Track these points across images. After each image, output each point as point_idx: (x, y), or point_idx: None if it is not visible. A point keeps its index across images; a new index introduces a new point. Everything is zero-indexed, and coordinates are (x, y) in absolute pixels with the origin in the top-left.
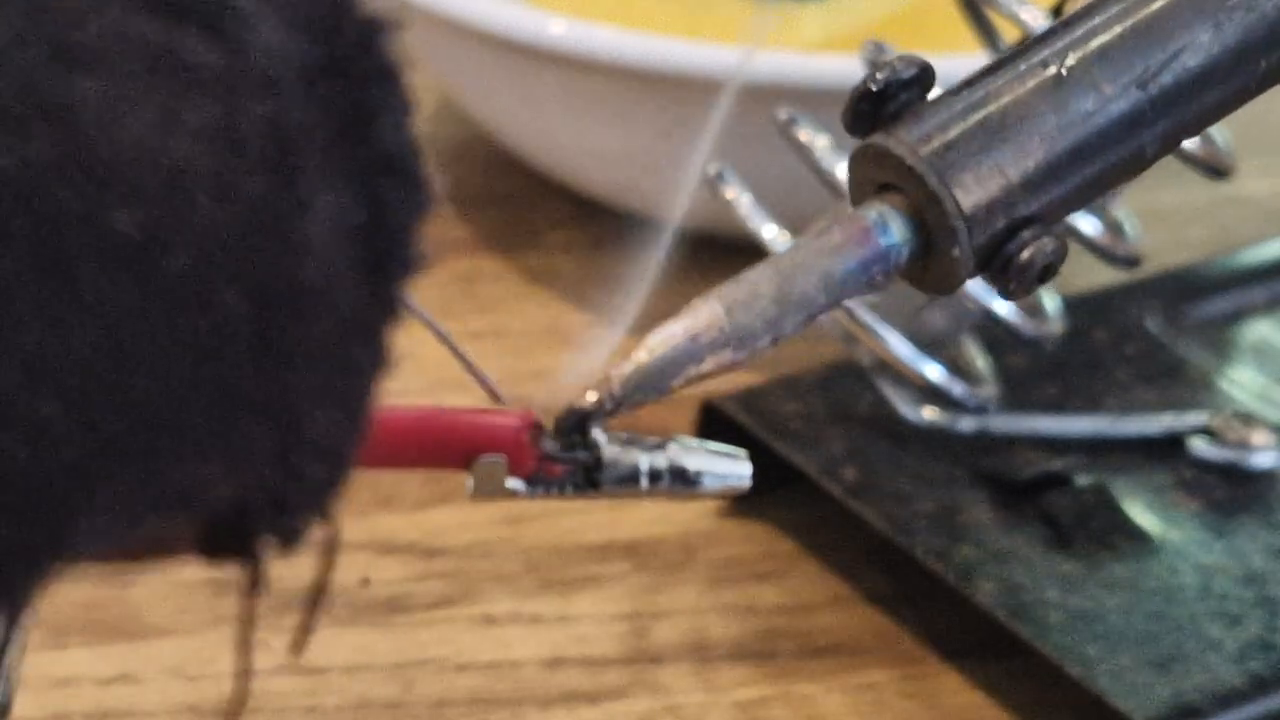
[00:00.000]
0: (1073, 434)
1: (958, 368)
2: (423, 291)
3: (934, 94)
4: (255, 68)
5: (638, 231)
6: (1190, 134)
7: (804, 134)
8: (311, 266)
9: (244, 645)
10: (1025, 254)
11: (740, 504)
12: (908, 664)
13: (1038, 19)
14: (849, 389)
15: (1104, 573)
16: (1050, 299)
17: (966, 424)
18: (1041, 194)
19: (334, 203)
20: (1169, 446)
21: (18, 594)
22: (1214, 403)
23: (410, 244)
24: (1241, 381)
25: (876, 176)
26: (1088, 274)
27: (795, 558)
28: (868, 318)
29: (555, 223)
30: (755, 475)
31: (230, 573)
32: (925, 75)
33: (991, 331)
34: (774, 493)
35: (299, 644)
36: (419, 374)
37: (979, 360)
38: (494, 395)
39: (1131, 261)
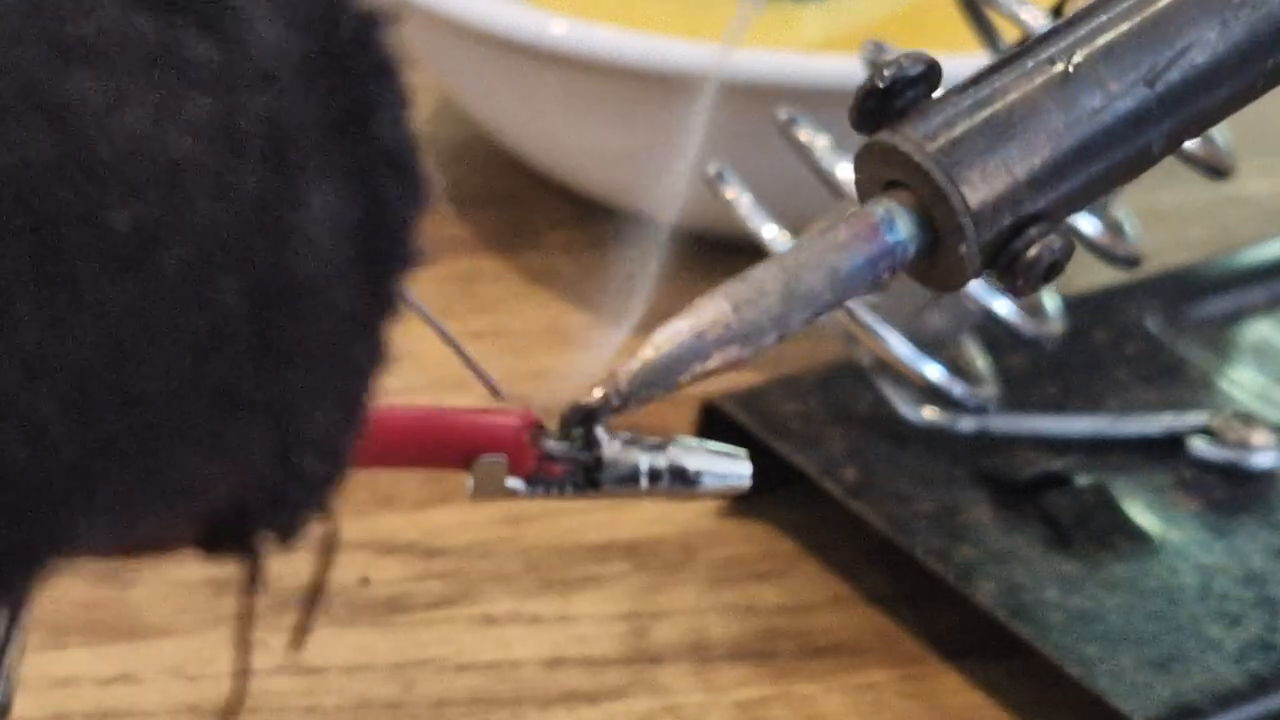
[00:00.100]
0: (1073, 434)
1: (958, 368)
2: (422, 291)
3: (939, 92)
4: (252, 64)
5: (638, 231)
6: (1197, 132)
7: (804, 134)
8: (310, 263)
9: (243, 642)
10: (1032, 251)
11: (740, 504)
12: (908, 664)
13: (1038, 19)
14: (849, 389)
15: (1104, 573)
16: (1050, 299)
17: (966, 424)
18: (1048, 191)
19: (332, 199)
20: (1169, 446)
21: (17, 592)
22: (1214, 403)
23: (409, 240)
24: (1241, 381)
25: (883, 173)
26: (1088, 274)
27: (795, 558)
28: (868, 318)
29: (555, 223)
30: (755, 475)
31: (229, 571)
32: (932, 72)
33: (991, 331)
34: (774, 493)
35: (298, 641)
36: (419, 373)
37: (979, 360)
38: (495, 392)
39: (1131, 261)
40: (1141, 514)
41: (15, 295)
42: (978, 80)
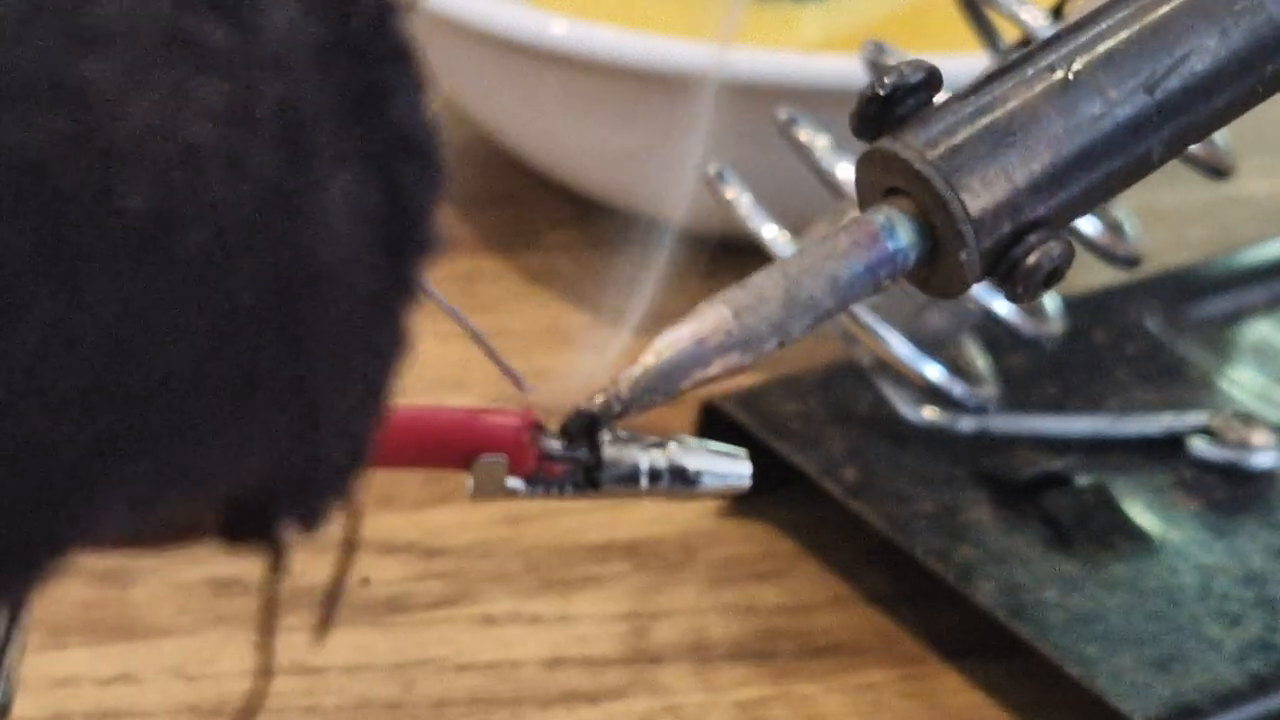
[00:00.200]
0: (1073, 434)
1: (958, 368)
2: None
3: (940, 97)
4: (268, 48)
5: (638, 232)
6: (1196, 139)
7: (804, 134)
8: (327, 247)
9: (266, 634)
10: (1032, 258)
11: (740, 504)
12: (908, 664)
13: (1038, 19)
14: (849, 389)
15: (1104, 573)
16: (1050, 299)
17: (966, 424)
18: (1048, 198)
19: (349, 183)
20: (1169, 446)
21: (37, 575)
22: (1214, 403)
23: (428, 224)
24: (1241, 381)
25: (884, 180)
26: (1088, 274)
27: (795, 558)
28: (868, 318)
29: (555, 223)
30: (755, 475)
31: (229, 571)
32: (932, 79)
33: (991, 331)
34: (774, 493)
35: (321, 634)
36: (419, 374)
37: (979, 360)
38: (517, 383)
39: (1131, 261)
40: (1141, 514)
41: (29, 277)
42: (978, 88)
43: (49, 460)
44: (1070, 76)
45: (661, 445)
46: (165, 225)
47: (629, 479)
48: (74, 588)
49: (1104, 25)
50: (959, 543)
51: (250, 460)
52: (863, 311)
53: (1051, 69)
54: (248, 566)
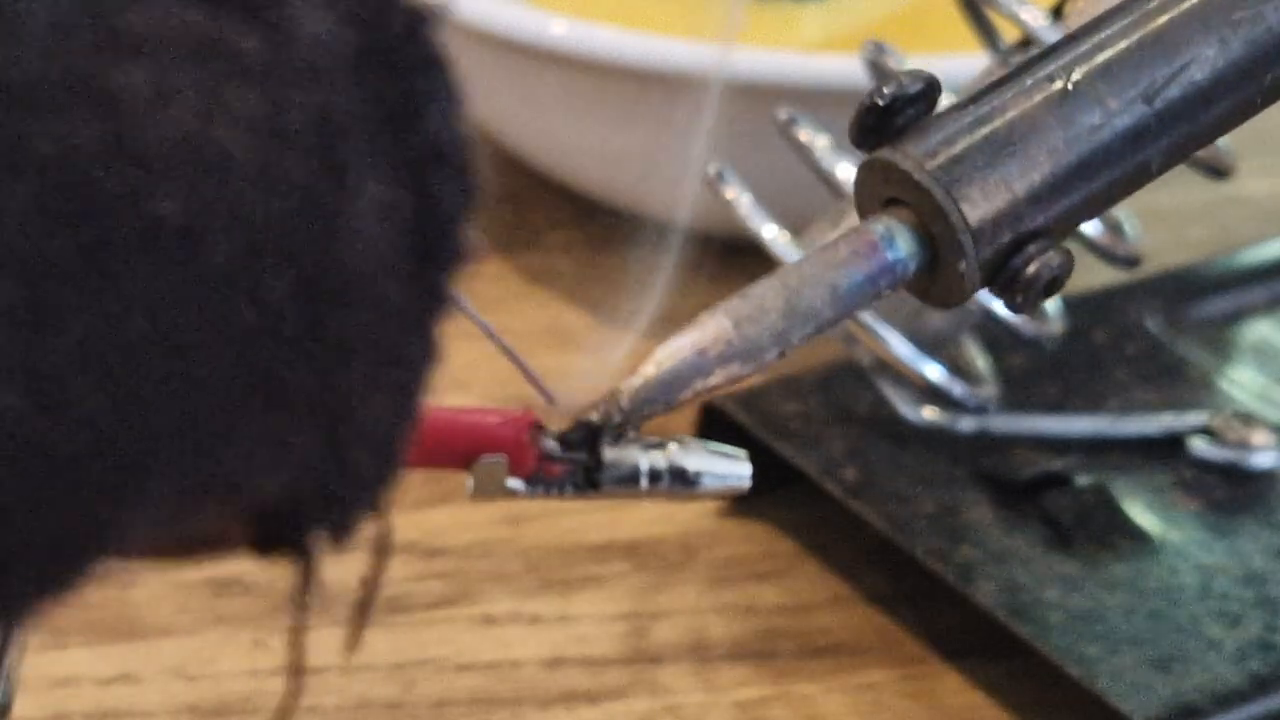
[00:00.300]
0: (1073, 434)
1: (958, 368)
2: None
3: (946, 96)
4: (301, 57)
5: (638, 232)
6: (1195, 148)
7: (804, 134)
8: (359, 256)
9: (296, 643)
10: (1031, 268)
11: (740, 504)
12: (908, 664)
13: (1038, 19)
14: (849, 389)
15: (1104, 573)
16: (1050, 299)
17: (966, 424)
18: (1047, 208)
19: (381, 193)
20: (1169, 446)
21: (67, 584)
22: (1214, 403)
23: (460, 235)
24: (1241, 381)
25: (883, 191)
26: (1088, 274)
27: (795, 558)
28: (868, 318)
29: (555, 223)
30: (755, 475)
31: (230, 571)
32: (931, 90)
33: (991, 331)
34: (774, 493)
35: (353, 642)
36: None
37: (979, 360)
38: (545, 394)
39: (1131, 261)
40: (1141, 514)
41: (63, 284)
42: (977, 97)
43: (80, 468)
44: (1069, 86)
45: (661, 446)
46: (198, 233)
47: (629, 480)
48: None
49: (1103, 35)
50: (959, 543)
51: (280, 470)
52: (863, 312)
53: (1051, 79)
54: (248, 567)
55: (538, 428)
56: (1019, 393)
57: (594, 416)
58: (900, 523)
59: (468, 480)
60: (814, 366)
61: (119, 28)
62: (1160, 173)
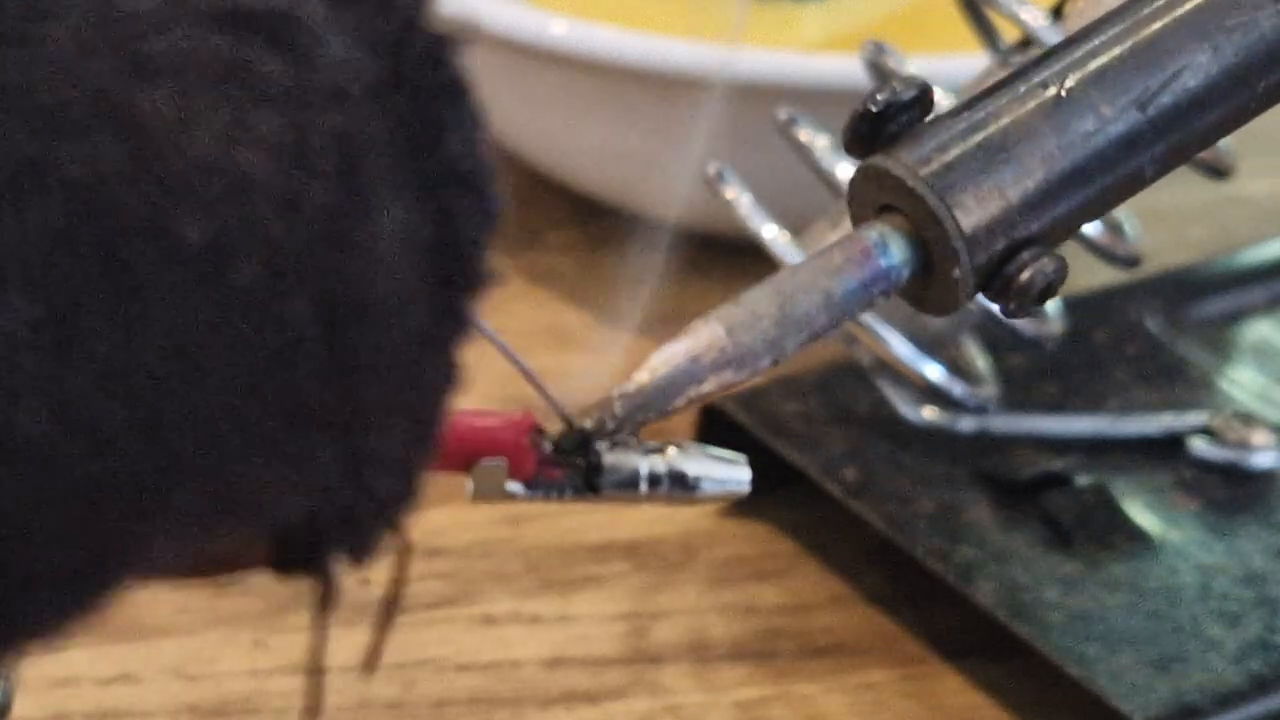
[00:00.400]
0: (1073, 434)
1: (958, 368)
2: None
3: (937, 98)
4: (323, 81)
5: (638, 232)
6: (1189, 155)
7: (804, 134)
8: (381, 280)
9: (317, 659)
10: (1025, 274)
11: (740, 504)
12: (908, 664)
13: (1038, 19)
14: (849, 389)
15: (1104, 573)
16: (1049, 301)
17: (966, 424)
18: (1041, 214)
19: (402, 216)
20: (1169, 446)
21: (90, 605)
22: (1214, 403)
23: (480, 260)
24: (1241, 381)
25: (877, 197)
26: (1088, 274)
27: (795, 558)
28: (868, 318)
29: (555, 223)
30: (755, 475)
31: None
32: (925, 97)
33: (991, 331)
34: (774, 493)
35: (372, 661)
36: None
37: (979, 360)
38: (557, 408)
39: (1131, 261)
40: (1141, 514)
41: (86, 306)
42: (971, 104)
43: (101, 489)
44: (1063, 93)
45: (661, 450)
46: (220, 256)
47: (628, 484)
48: None
49: (1097, 41)
50: (959, 543)
51: (300, 491)
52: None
53: (1044, 85)
54: None
55: (538, 431)
56: (1019, 393)
57: (587, 423)
58: (900, 523)
59: (468, 483)
60: (814, 366)
61: (143, 51)
62: (1154, 179)
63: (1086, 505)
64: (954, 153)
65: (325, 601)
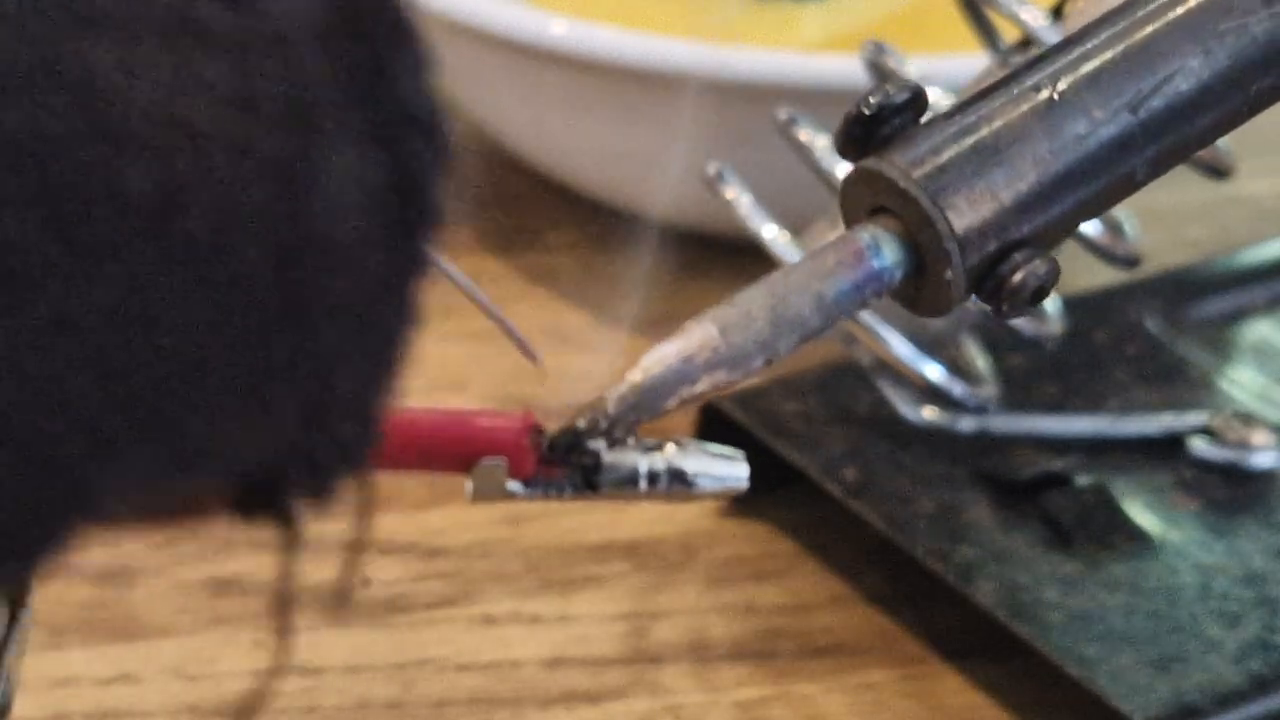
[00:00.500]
0: (1073, 434)
1: (958, 368)
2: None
3: (937, 99)
4: (269, 28)
5: (638, 231)
6: (1181, 158)
7: (804, 134)
8: (333, 224)
9: (281, 611)
10: (1017, 276)
11: (740, 504)
12: (908, 664)
13: (1038, 19)
14: (849, 389)
15: (1104, 573)
16: (1050, 299)
17: (966, 424)
18: (1033, 216)
19: (353, 160)
20: (1169, 446)
21: (48, 554)
22: (1214, 403)
23: (435, 200)
24: (1241, 381)
25: (870, 200)
26: (1088, 274)
27: (795, 558)
28: (868, 318)
29: (555, 223)
30: (755, 475)
31: (229, 571)
32: (918, 99)
33: (991, 331)
34: (774, 493)
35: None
36: (419, 375)
37: (979, 360)
38: (529, 355)
39: (1131, 261)
40: (1141, 514)
41: (37, 260)
42: (963, 107)
43: (58, 440)
44: (1055, 96)
45: (660, 447)
46: (170, 207)
47: (628, 481)
48: (74, 588)
49: (1089, 45)
50: (959, 543)
51: (260, 436)
52: (863, 312)
53: (1037, 88)
54: (248, 567)
55: (537, 430)
56: (1019, 393)
57: (580, 423)
58: (900, 523)
59: (467, 483)
60: (814, 366)
61: (87, 4)
62: (1145, 182)
63: (1086, 505)
64: (946, 155)
65: (289, 546)
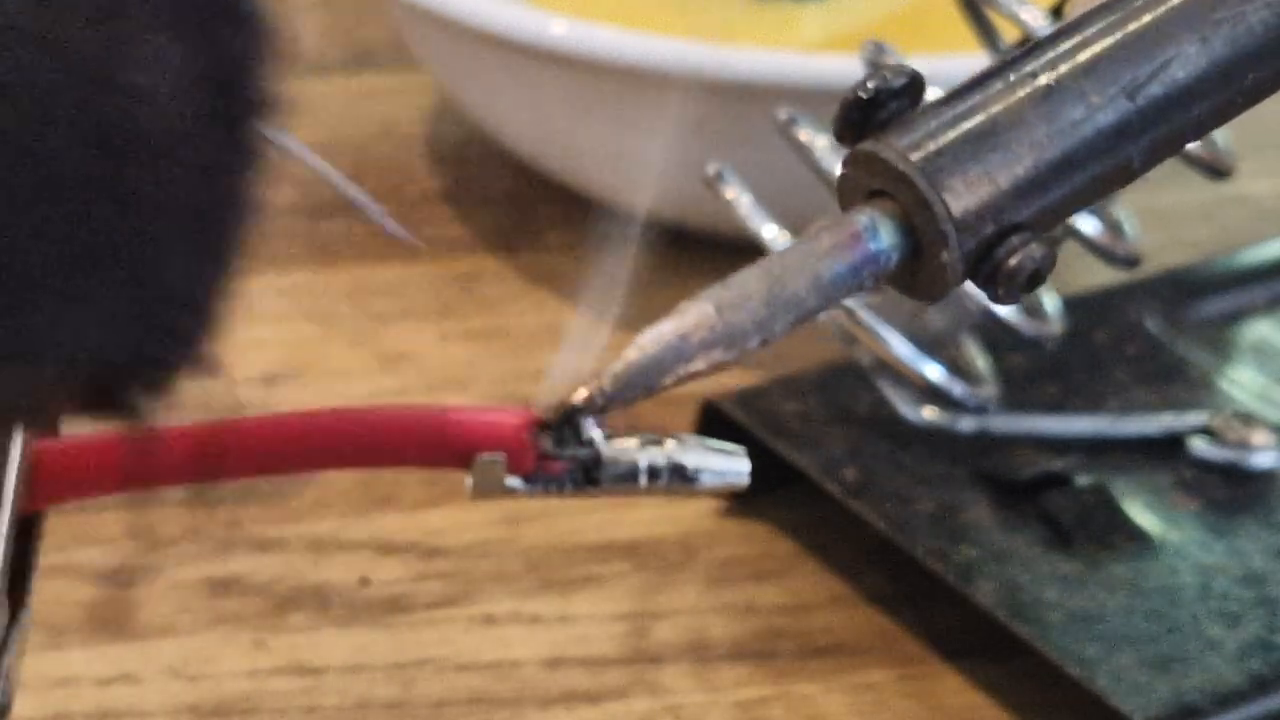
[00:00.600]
0: (1073, 434)
1: (958, 368)
2: (422, 291)
3: (931, 96)
4: None
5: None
6: (1177, 147)
7: (804, 134)
8: (151, 115)
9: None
10: (1014, 260)
11: (740, 504)
12: (908, 664)
13: (1038, 19)
14: (849, 389)
15: (1104, 573)
16: (1050, 299)
17: (966, 424)
18: (1030, 201)
19: (169, 51)
20: (1169, 446)
21: None
22: (1214, 403)
23: (257, 86)
24: (1241, 381)
25: (866, 183)
26: (1088, 274)
27: (795, 558)
28: (868, 318)
29: (555, 223)
30: (755, 475)
31: (229, 571)
32: (915, 85)
33: (991, 331)
34: (774, 493)
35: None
36: (419, 374)
37: (979, 360)
38: (373, 215)
39: (1131, 261)
40: (1141, 514)
41: None
42: (961, 93)
43: None
44: (1053, 81)
45: (660, 443)
46: None
47: (628, 477)
48: (74, 588)
49: (1087, 32)
50: (959, 543)
51: (91, 332)
52: (863, 311)
53: (1034, 73)
54: (248, 567)
55: (537, 426)
56: (1019, 393)
57: (576, 399)
58: (900, 523)
59: (467, 479)
60: (814, 366)
61: None
62: (1142, 171)
63: (1086, 505)
64: (944, 138)
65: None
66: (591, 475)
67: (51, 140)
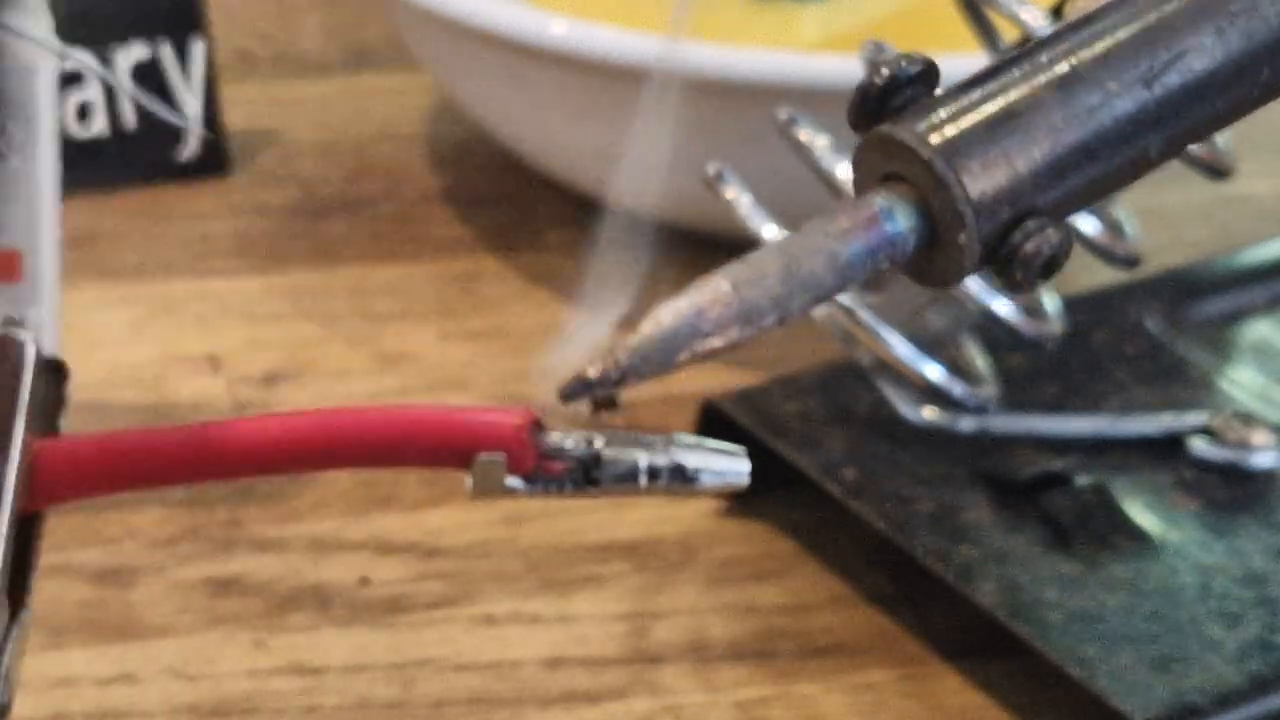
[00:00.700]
0: (1073, 434)
1: (958, 368)
2: (423, 291)
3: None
4: None
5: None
6: (1193, 139)
7: (804, 134)
8: None
9: None
10: (1030, 245)
11: (740, 504)
12: (908, 664)
13: (1038, 19)
14: (849, 389)
15: (1104, 573)
16: (1050, 299)
17: (966, 424)
18: (1047, 186)
19: None
20: (1169, 446)
21: None
22: (1214, 403)
23: None
24: (1241, 381)
25: (882, 166)
26: (1088, 274)
27: (795, 558)
28: (868, 318)
29: (555, 223)
30: (755, 475)
31: (243, 563)
32: (930, 72)
33: (991, 331)
34: (774, 493)
35: None
36: (419, 374)
37: (979, 360)
38: (173, 120)
39: (1131, 261)
40: (1141, 514)
41: None
42: (978, 79)
43: None
44: (1070, 69)
45: (660, 443)
46: None
47: (628, 477)
48: (74, 588)
49: (1104, 22)
50: (959, 543)
51: None
52: (863, 311)
53: (1052, 61)
54: (248, 566)
55: (537, 425)
56: (1019, 393)
57: (591, 372)
58: (900, 523)
59: (467, 479)
60: (814, 366)
61: None
62: (1159, 162)
63: (1086, 505)
64: (961, 122)
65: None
66: (591, 475)
67: None
